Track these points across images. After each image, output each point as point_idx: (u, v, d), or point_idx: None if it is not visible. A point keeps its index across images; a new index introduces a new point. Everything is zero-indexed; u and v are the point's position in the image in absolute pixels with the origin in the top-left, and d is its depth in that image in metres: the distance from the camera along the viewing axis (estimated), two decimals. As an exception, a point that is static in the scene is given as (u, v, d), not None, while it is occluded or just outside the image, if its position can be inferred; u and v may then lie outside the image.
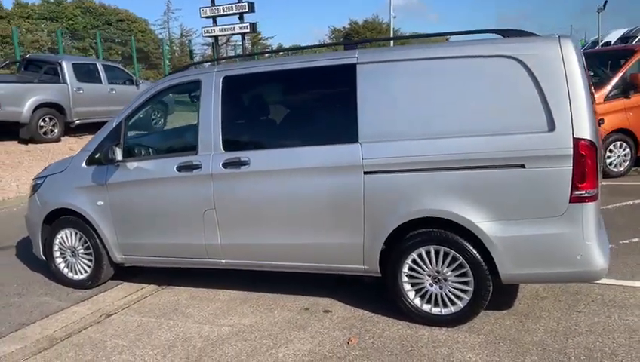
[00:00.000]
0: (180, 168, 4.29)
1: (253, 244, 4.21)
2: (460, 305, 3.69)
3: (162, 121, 13.36)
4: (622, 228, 5.79)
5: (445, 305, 3.73)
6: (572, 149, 3.27)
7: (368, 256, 3.86)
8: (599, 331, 3.58)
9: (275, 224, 4.08)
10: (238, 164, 4.09)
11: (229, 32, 18.63)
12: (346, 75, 3.80)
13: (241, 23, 17.87)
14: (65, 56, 14.20)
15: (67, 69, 12.76)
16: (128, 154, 4.54)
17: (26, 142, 12.26)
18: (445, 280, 3.70)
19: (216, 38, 18.94)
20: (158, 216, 4.49)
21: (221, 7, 17.84)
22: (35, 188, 5.15)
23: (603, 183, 8.04)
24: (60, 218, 4.95)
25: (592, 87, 4.29)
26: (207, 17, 18.31)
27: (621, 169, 8.53)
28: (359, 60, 3.79)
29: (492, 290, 3.68)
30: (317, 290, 4.52)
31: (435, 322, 3.77)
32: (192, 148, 4.29)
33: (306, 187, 3.92)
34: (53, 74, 12.78)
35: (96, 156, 4.66)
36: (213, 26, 18.36)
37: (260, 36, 71.07)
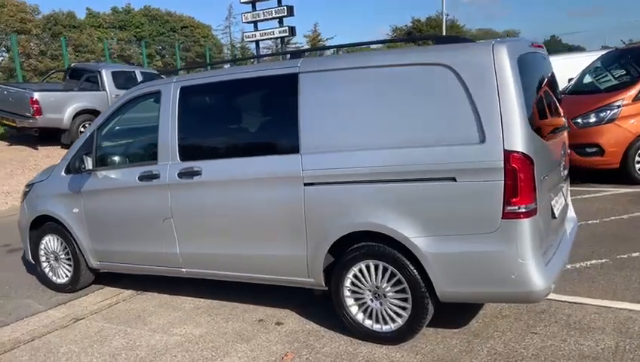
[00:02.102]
0: (141, 177, 4.37)
1: (208, 254, 4.23)
2: (400, 322, 3.54)
3: None
4: (626, 240, 5.39)
5: (385, 322, 3.59)
6: (503, 162, 3.06)
7: (312, 269, 3.78)
8: (546, 356, 3.32)
9: (226, 234, 4.07)
10: (191, 174, 4.12)
11: (269, 37, 18.81)
12: (289, 85, 3.73)
13: (280, 27, 18.02)
14: (105, 65, 14.84)
15: (106, 76, 13.32)
16: (101, 163, 4.66)
17: (68, 147, 12.89)
18: (385, 296, 3.57)
19: (257, 42, 19.18)
20: (124, 224, 4.60)
21: (261, 12, 18.06)
22: (24, 194, 5.41)
23: (630, 190, 7.55)
24: (44, 224, 5.17)
25: (557, 100, 4.03)
26: (248, 22, 18.59)
27: (652, 175, 7.92)
28: (301, 70, 3.71)
29: (433, 309, 3.51)
30: (281, 301, 4.47)
31: (377, 339, 3.64)
32: (154, 158, 4.36)
33: (252, 198, 3.89)
34: (93, 82, 13.38)
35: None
36: (255, 30, 18.62)
37: (319, 37, 71.35)
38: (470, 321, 3.87)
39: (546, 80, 3.88)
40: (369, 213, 3.46)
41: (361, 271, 3.62)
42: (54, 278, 5.23)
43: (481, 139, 3.12)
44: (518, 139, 3.05)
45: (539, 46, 3.85)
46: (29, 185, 5.39)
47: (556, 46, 69.11)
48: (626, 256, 4.97)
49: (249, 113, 4.23)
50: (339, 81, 3.59)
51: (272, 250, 3.89)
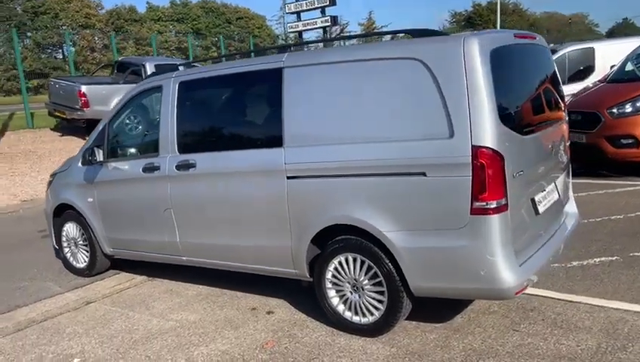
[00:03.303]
0: (144, 169, 4.57)
1: (204, 243, 4.38)
2: (377, 315, 3.57)
3: None
4: (645, 238, 5.17)
5: (364, 314, 3.63)
6: (470, 158, 3.02)
7: (296, 260, 3.86)
8: (520, 354, 3.27)
9: (218, 224, 4.21)
10: (187, 166, 4.27)
11: (312, 27, 18.86)
12: (274, 80, 3.79)
13: (322, 17, 18.04)
14: (149, 58, 15.36)
15: (150, 69, 13.76)
16: (111, 154, 4.91)
17: (114, 137, 13.47)
18: (363, 289, 3.60)
19: (300, 32, 19.29)
20: (131, 214, 4.83)
21: (304, 2, 18.14)
22: (49, 183, 5.75)
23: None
24: (65, 212, 5.49)
25: (555, 91, 3.90)
26: (291, 13, 18.74)
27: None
28: (285, 64, 3.77)
29: (411, 304, 3.52)
30: (278, 291, 4.56)
31: (356, 330, 3.68)
32: (157, 150, 4.55)
33: (239, 190, 4.00)
34: (138, 74, 13.86)
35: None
36: (297, 21, 18.74)
37: (374, 25, 70.57)
38: (455, 317, 3.84)
39: (535, 71, 3.77)
40: (345, 206, 3.49)
41: (341, 263, 3.66)
42: (74, 263, 5.55)
43: (450, 134, 3.08)
44: (487, 134, 3.00)
45: (529, 37, 3.73)
46: (53, 175, 5.73)
47: (628, 29, 65.14)
48: (639, 254, 4.76)
49: (238, 107, 4.33)
50: (320, 75, 3.62)
51: (259, 241, 3.99)
